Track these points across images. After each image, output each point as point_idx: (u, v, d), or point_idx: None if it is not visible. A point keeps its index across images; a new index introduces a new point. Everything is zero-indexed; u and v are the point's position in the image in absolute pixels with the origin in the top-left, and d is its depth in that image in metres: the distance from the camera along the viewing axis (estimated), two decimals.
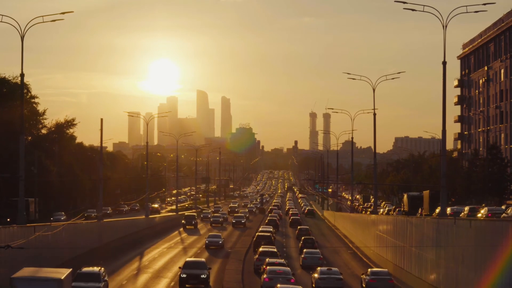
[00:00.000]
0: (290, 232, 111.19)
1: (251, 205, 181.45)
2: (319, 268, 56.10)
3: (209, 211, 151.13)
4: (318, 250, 72.42)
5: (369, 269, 57.32)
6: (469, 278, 39.78)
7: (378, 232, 73.37)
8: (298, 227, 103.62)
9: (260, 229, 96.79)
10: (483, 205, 74.90)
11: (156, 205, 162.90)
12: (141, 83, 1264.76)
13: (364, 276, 55.47)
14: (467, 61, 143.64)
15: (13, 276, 35.41)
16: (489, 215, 55.85)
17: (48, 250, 54.92)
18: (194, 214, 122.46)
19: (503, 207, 61.62)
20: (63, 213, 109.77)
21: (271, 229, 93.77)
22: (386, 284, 53.31)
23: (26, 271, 36.73)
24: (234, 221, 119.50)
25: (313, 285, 53.99)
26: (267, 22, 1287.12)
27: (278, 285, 45.71)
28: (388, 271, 56.85)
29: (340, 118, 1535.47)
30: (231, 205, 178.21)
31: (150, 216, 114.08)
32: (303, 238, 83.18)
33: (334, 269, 55.85)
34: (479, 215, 57.79)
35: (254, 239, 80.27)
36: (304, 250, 71.33)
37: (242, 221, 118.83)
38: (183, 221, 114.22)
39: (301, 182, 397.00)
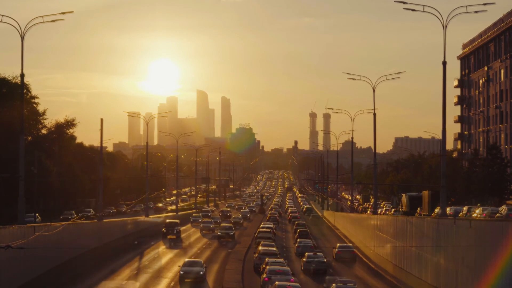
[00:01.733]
0: (289, 228, 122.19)
1: (246, 209, 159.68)
2: (307, 253, 65.98)
3: (200, 214, 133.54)
4: (310, 240, 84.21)
5: (338, 244, 77.99)
6: (469, 278, 39.75)
7: (378, 232, 73.41)
8: (296, 222, 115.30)
9: (261, 225, 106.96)
10: (478, 205, 74.80)
11: (160, 204, 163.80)
12: (141, 83, 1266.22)
13: (334, 250, 75.08)
14: (467, 61, 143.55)
15: None
16: (484, 215, 55.87)
17: (48, 250, 54.92)
18: (177, 221, 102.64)
19: (501, 209, 61.27)
20: (37, 214, 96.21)
21: (272, 225, 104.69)
22: (349, 254, 73.27)
23: None
24: (219, 233, 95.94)
25: (302, 268, 64.34)
26: (267, 22, 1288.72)
27: (277, 283, 45.92)
28: (352, 245, 78.45)
29: (340, 118, 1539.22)
30: (224, 208, 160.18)
31: (150, 216, 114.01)
32: (298, 230, 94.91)
33: (319, 253, 66.23)
34: (474, 215, 57.86)
35: (256, 234, 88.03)
36: (298, 239, 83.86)
37: (230, 234, 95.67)
38: (163, 230, 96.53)
39: (301, 182, 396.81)
